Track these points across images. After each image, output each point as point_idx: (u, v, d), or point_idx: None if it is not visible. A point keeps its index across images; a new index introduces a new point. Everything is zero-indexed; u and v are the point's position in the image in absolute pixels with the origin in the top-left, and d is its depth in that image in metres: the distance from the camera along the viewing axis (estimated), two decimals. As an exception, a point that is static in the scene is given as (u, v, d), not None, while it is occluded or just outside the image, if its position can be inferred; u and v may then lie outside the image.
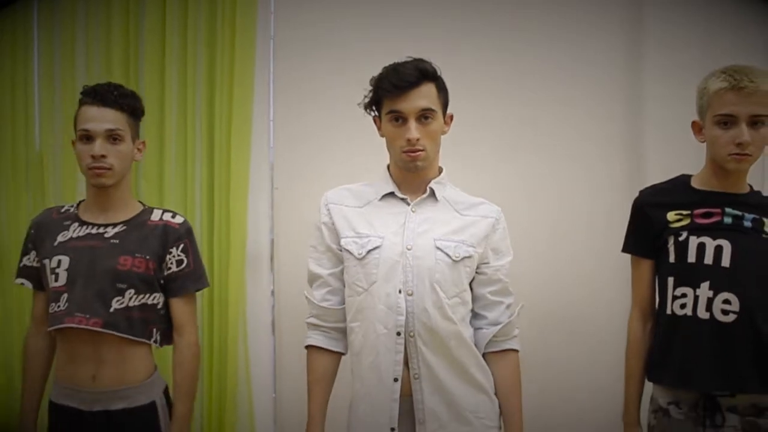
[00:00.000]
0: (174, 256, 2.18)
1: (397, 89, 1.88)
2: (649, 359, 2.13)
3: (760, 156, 1.96)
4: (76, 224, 2.18)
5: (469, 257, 1.97)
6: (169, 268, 2.18)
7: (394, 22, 3.42)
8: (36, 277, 2.22)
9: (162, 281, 2.19)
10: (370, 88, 2.01)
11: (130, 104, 2.15)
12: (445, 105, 2.00)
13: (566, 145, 3.40)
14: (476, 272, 2.04)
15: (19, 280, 2.26)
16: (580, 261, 3.35)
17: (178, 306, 2.20)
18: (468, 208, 2.05)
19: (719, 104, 1.92)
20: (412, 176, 2.01)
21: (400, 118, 1.91)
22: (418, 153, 1.92)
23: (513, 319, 2.07)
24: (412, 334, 1.93)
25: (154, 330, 2.19)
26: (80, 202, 2.27)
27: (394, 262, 1.93)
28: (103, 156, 2.07)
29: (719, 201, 1.99)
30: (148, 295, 2.15)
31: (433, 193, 2.02)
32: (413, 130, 1.89)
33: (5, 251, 3.51)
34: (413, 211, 2.00)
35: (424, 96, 1.90)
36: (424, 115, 1.91)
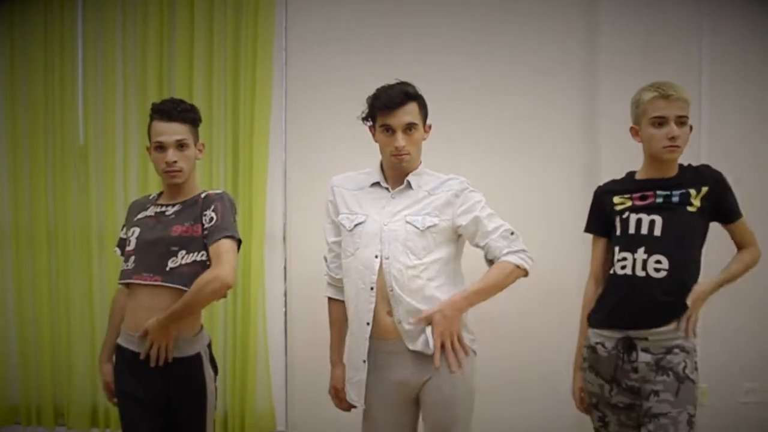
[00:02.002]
0: (207, 216, 2.50)
1: (387, 108, 2.37)
2: (592, 311, 2.61)
3: (685, 147, 2.48)
4: (152, 206, 2.62)
5: (434, 225, 2.43)
6: (204, 226, 2.51)
7: (390, 36, 4.07)
8: (124, 246, 2.63)
9: (204, 239, 2.53)
10: (366, 105, 2.51)
11: (191, 117, 2.56)
12: (425, 118, 2.51)
13: (531, 142, 4.03)
14: (462, 234, 2.49)
15: (116, 249, 2.72)
16: (548, 239, 3.89)
17: (211, 251, 2.48)
18: (437, 187, 2.51)
19: (652, 109, 2.40)
20: (398, 171, 2.52)
21: (390, 130, 2.40)
22: (403, 156, 2.42)
23: (503, 241, 2.42)
24: (391, 288, 2.38)
25: None
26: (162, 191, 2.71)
27: (374, 234, 2.44)
28: (174, 162, 2.50)
29: (653, 185, 2.49)
30: (196, 253, 2.49)
31: (409, 184, 2.52)
32: (400, 140, 2.38)
33: (57, 235, 4.09)
34: (392, 198, 2.51)
35: (408, 113, 2.38)
36: (408, 128, 2.39)
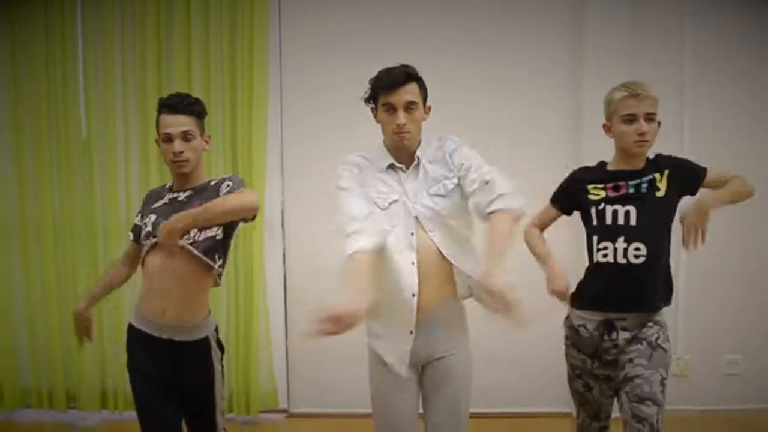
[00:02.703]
0: (222, 188, 2.60)
1: (389, 87, 2.40)
2: (574, 294, 2.74)
3: (654, 141, 2.63)
4: (167, 194, 2.69)
5: (455, 185, 2.48)
6: (222, 195, 2.60)
7: (382, 28, 4.23)
8: (138, 232, 2.71)
9: None
10: (368, 86, 2.54)
11: (196, 109, 2.63)
12: (424, 99, 2.57)
13: (520, 132, 4.20)
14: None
15: (129, 234, 2.79)
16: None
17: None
18: (436, 152, 2.57)
19: (623, 107, 2.54)
20: (401, 150, 2.57)
21: (391, 108, 2.43)
22: (404, 134, 2.44)
23: (483, 195, 2.40)
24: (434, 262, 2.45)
25: (216, 256, 2.61)
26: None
27: (407, 213, 2.48)
28: (181, 152, 2.57)
29: (624, 176, 2.64)
30: (207, 230, 2.57)
31: (418, 161, 2.58)
32: (401, 117, 2.41)
33: (63, 226, 4.26)
34: (408, 176, 2.55)
35: (409, 92, 2.41)
36: (409, 107, 2.42)
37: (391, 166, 2.56)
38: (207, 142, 2.69)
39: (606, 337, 2.60)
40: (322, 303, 3.98)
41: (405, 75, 2.43)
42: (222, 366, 2.71)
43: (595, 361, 2.65)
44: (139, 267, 2.73)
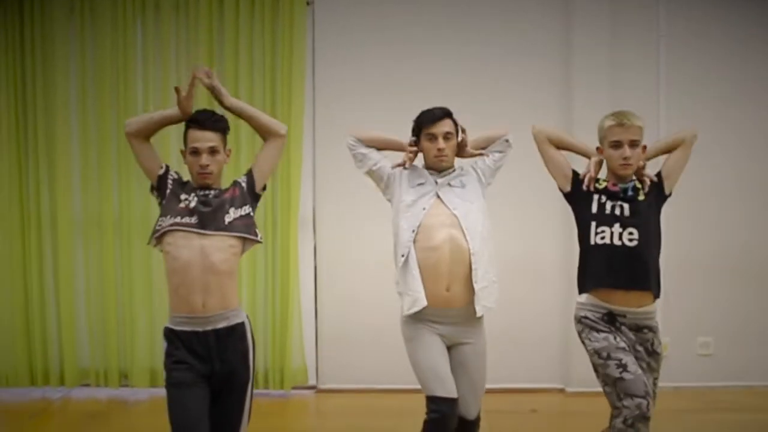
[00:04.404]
0: (242, 180, 2.88)
1: (432, 121, 3.02)
2: (578, 280, 3.09)
3: (637, 164, 2.95)
4: (193, 193, 2.78)
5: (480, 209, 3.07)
6: (242, 178, 2.90)
7: (402, 39, 4.88)
8: (166, 177, 2.83)
9: (250, 187, 2.88)
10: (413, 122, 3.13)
11: (221, 126, 2.80)
12: (457, 131, 3.04)
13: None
14: (487, 176, 3.10)
15: (164, 164, 2.86)
16: (531, 229, 4.83)
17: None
18: (460, 178, 3.06)
19: (611, 135, 2.91)
20: (440, 170, 3.04)
21: (433, 137, 3.03)
22: (443, 157, 3.03)
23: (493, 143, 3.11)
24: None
25: (256, 230, 2.84)
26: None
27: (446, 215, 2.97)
28: (207, 165, 2.75)
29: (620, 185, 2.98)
30: (241, 209, 2.79)
31: (459, 179, 3.14)
32: (441, 143, 3.01)
33: (121, 220, 4.84)
34: (439, 192, 3.07)
35: (446, 125, 3.02)
36: (446, 136, 3.02)
37: (422, 184, 3.09)
38: (228, 155, 2.87)
39: (609, 325, 2.91)
40: (348, 291, 4.65)
41: (442, 113, 3.06)
42: (254, 354, 2.87)
43: (617, 336, 2.89)
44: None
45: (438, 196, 2.99)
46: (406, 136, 3.14)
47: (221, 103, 2.87)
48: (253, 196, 2.88)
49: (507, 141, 3.16)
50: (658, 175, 3.03)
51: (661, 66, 4.86)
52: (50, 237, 4.91)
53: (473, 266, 2.89)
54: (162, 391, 4.67)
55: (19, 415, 4.52)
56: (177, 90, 2.82)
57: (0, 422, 4.51)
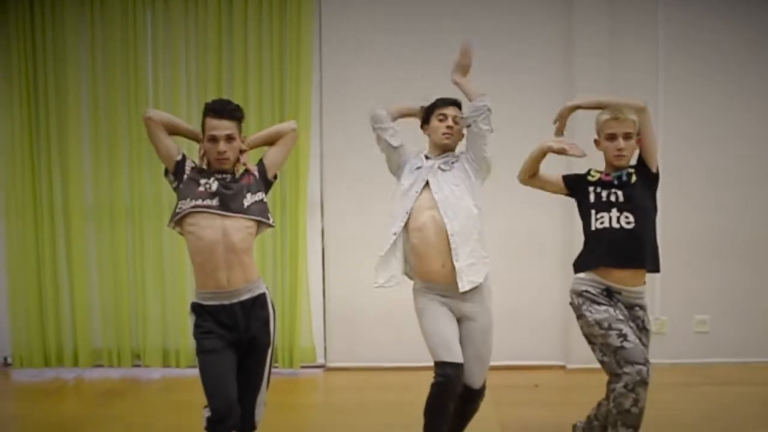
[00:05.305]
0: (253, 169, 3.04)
1: (444, 104, 3.30)
2: (577, 261, 3.27)
3: (632, 154, 3.12)
4: (211, 177, 2.95)
5: (465, 190, 3.24)
6: (260, 168, 3.06)
7: (408, 26, 5.00)
8: (182, 165, 2.97)
9: (263, 175, 3.04)
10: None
11: (237, 114, 2.96)
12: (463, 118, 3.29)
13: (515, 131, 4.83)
14: (474, 152, 3.23)
15: (181, 152, 3.00)
16: (530, 212, 4.91)
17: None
18: (453, 162, 3.31)
19: (607, 128, 3.10)
20: (441, 152, 3.32)
21: (444, 117, 3.28)
22: (449, 134, 3.27)
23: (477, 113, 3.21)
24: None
25: (268, 215, 3.00)
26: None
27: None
28: (224, 151, 2.92)
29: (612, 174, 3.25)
30: (256, 194, 2.96)
31: (448, 162, 3.32)
32: (450, 122, 3.27)
33: (133, 207, 4.97)
34: (428, 176, 3.26)
35: (456, 111, 3.30)
36: (455, 120, 3.28)
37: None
38: (243, 142, 3.03)
39: (608, 299, 3.07)
40: (355, 273, 4.75)
41: (452, 100, 3.34)
42: (275, 322, 3.07)
43: (616, 309, 3.04)
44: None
45: (427, 182, 3.20)
46: (411, 122, 3.39)
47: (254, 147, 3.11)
48: (266, 183, 3.07)
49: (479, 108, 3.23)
50: (639, 158, 3.18)
51: (660, 54, 4.97)
52: (63, 222, 5.03)
53: (452, 246, 3.09)
54: (175, 371, 4.98)
55: (34, 395, 4.65)
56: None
57: (15, 402, 4.65)
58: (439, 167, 3.22)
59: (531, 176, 3.29)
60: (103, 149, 4.98)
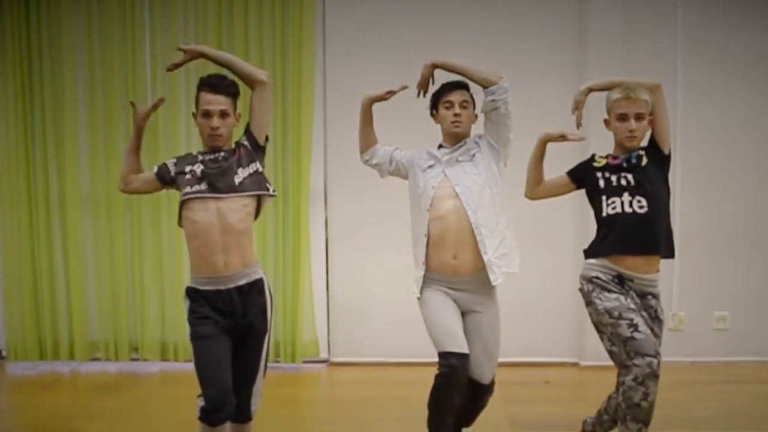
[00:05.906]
0: (243, 140, 2.94)
1: (450, 89, 3.12)
2: (589, 248, 3.15)
3: (644, 136, 2.99)
4: (202, 156, 2.89)
5: (489, 179, 3.10)
6: (248, 137, 2.94)
7: (412, 24, 4.84)
8: (165, 174, 2.94)
9: (253, 143, 2.92)
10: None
11: (233, 90, 2.87)
12: (473, 104, 3.21)
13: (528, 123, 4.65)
14: (494, 136, 3.11)
15: (154, 167, 2.98)
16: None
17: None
18: (472, 148, 3.19)
19: (617, 107, 2.95)
20: (454, 138, 3.17)
21: (450, 105, 3.12)
22: (458, 122, 3.10)
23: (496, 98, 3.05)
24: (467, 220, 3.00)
25: (267, 184, 2.91)
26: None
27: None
28: (218, 127, 2.83)
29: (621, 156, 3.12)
30: (249, 167, 2.86)
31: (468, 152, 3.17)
32: (457, 109, 3.10)
33: (131, 199, 4.76)
34: (446, 169, 3.13)
35: (463, 95, 3.13)
36: (462, 104, 3.11)
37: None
38: (237, 119, 2.95)
39: (619, 287, 2.95)
40: (359, 265, 4.56)
41: (459, 83, 3.15)
42: (272, 308, 2.98)
43: (627, 297, 2.92)
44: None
45: (445, 174, 3.08)
46: (417, 111, 3.30)
47: (206, 57, 2.97)
48: (258, 150, 2.95)
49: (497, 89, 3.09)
50: (651, 138, 3.05)
51: (678, 37, 4.77)
52: (59, 213, 4.91)
53: (478, 238, 2.99)
54: (174, 365, 4.82)
55: (29, 388, 4.53)
56: (133, 104, 3.08)
57: (9, 395, 4.53)
58: (457, 159, 3.11)
59: (537, 183, 3.19)
60: (100, 140, 4.85)
